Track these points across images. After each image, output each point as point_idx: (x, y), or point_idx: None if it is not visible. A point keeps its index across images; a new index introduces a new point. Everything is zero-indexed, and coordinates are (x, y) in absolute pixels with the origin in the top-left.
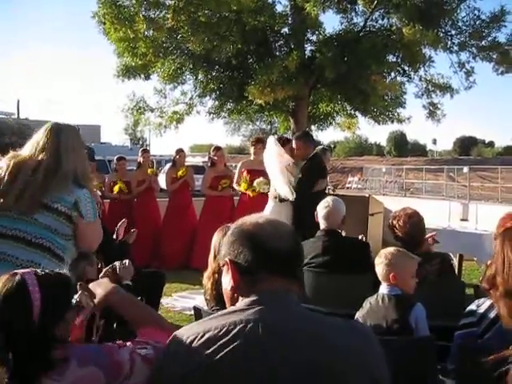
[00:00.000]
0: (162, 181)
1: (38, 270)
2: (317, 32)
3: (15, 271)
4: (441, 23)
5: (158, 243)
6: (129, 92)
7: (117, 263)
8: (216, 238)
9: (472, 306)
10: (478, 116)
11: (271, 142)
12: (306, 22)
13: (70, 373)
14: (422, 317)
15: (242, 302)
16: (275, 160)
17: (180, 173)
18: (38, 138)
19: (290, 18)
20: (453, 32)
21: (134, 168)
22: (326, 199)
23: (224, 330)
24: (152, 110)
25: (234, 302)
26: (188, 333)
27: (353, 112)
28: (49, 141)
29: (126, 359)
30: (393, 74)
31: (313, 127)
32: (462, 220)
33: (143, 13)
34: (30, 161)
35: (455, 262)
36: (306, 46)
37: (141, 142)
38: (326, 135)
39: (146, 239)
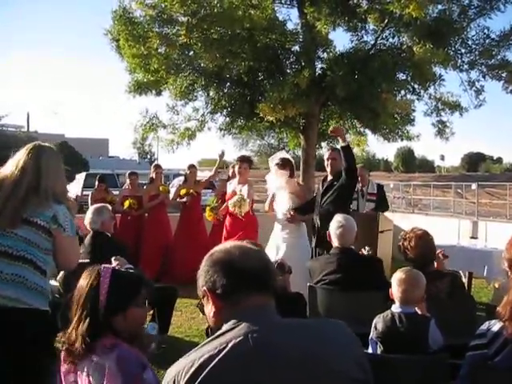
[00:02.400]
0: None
1: (119, 267)
2: (327, 50)
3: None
4: (451, 42)
5: (168, 258)
6: (140, 107)
7: (112, 259)
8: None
9: (483, 328)
10: (485, 132)
11: (273, 169)
12: (316, 40)
13: (106, 356)
14: (437, 331)
15: (227, 325)
16: (282, 187)
17: (161, 189)
18: (19, 157)
19: (300, 36)
20: (463, 50)
21: (143, 182)
22: (337, 218)
23: (216, 350)
24: (164, 127)
25: (219, 327)
26: (178, 367)
27: (362, 129)
28: (30, 160)
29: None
30: (403, 92)
31: (323, 144)
32: (472, 238)
33: (156, 29)
34: (10, 178)
35: (465, 279)
36: (316, 63)
37: (149, 156)
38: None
39: (157, 254)
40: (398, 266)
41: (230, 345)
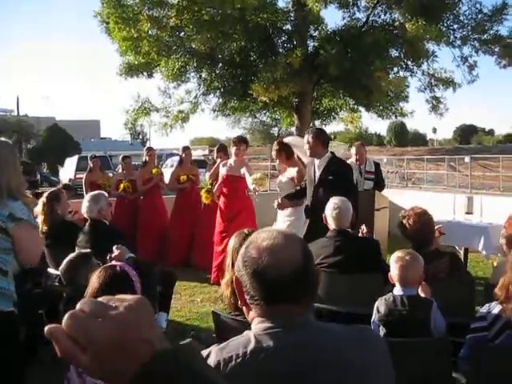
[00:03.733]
0: (166, 176)
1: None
2: (319, 28)
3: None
4: (443, 18)
5: (165, 241)
6: (132, 89)
7: (114, 248)
8: (232, 243)
9: (483, 311)
10: (477, 105)
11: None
12: (308, 18)
13: None
14: (437, 314)
15: (258, 327)
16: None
17: (154, 172)
18: None
19: (292, 15)
20: (455, 26)
21: (136, 163)
22: (333, 200)
23: (246, 357)
24: (157, 110)
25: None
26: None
27: (356, 107)
28: None
29: None
30: (396, 69)
31: (316, 122)
32: (467, 213)
33: (147, 12)
34: None
35: (461, 254)
36: (308, 42)
37: (141, 137)
38: (326, 126)
39: (153, 237)
40: (395, 242)
41: (260, 355)
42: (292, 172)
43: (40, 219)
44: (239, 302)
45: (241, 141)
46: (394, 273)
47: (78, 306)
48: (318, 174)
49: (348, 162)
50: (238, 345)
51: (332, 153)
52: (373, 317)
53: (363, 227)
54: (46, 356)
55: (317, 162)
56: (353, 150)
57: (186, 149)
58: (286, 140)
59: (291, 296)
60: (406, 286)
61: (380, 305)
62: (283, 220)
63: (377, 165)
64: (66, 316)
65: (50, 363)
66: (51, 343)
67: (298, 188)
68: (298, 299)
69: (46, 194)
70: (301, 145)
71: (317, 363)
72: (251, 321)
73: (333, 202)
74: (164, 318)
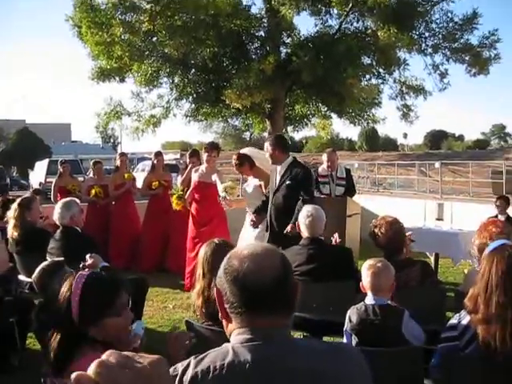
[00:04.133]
0: (138, 180)
1: (97, 273)
2: (292, 35)
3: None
4: (415, 25)
5: (136, 246)
6: (103, 92)
7: (87, 257)
8: (203, 253)
9: (453, 321)
10: (447, 110)
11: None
12: (281, 25)
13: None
14: (412, 323)
15: (237, 338)
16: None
17: (126, 177)
18: None
19: (265, 21)
20: (426, 34)
21: (108, 167)
22: (306, 208)
23: (223, 370)
24: (129, 114)
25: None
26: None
27: (328, 113)
28: None
29: None
30: (368, 76)
31: (289, 128)
32: (438, 219)
33: (119, 16)
34: None
35: (431, 260)
36: (281, 48)
37: (112, 140)
38: (298, 132)
39: (125, 242)
40: (367, 249)
41: (237, 368)
42: (260, 179)
43: (11, 224)
44: (220, 315)
45: (212, 147)
46: (365, 281)
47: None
48: (277, 179)
49: (320, 168)
50: (215, 357)
51: (294, 157)
52: (345, 326)
53: (336, 236)
54: (16, 363)
55: (278, 168)
56: (324, 157)
57: (158, 154)
58: (243, 151)
59: (271, 305)
60: (378, 294)
61: (352, 314)
62: (250, 230)
63: (348, 171)
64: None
65: (20, 370)
66: (21, 350)
67: (265, 198)
68: (277, 309)
69: (18, 201)
70: (258, 156)
71: (293, 376)
72: (230, 333)
73: (306, 210)
74: (141, 326)
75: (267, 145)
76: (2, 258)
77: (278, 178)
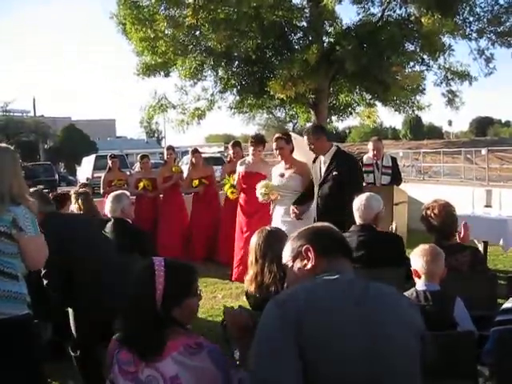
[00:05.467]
0: (185, 173)
1: (169, 259)
2: (334, 24)
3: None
4: (459, 10)
5: (184, 238)
6: (148, 87)
7: None
8: (255, 240)
9: (507, 304)
10: (493, 96)
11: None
12: (323, 14)
13: (199, 358)
14: (464, 310)
15: (320, 276)
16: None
17: (174, 169)
18: None
19: (307, 11)
20: (471, 19)
21: (153, 161)
22: (361, 195)
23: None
24: (174, 107)
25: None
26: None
27: (372, 102)
28: None
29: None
30: (412, 64)
31: (333, 118)
32: (486, 206)
33: (163, 12)
34: None
35: (481, 248)
36: (324, 38)
37: (156, 135)
38: (342, 121)
39: (173, 234)
40: (414, 237)
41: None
42: (298, 167)
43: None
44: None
45: (258, 142)
46: (417, 266)
47: None
48: (322, 170)
49: (364, 157)
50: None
51: (337, 146)
52: None
53: (394, 224)
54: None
55: (322, 158)
56: (370, 145)
57: (195, 152)
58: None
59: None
60: (429, 280)
61: None
62: (279, 220)
63: (394, 159)
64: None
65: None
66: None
67: (306, 189)
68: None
69: (79, 192)
70: (298, 143)
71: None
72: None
73: (359, 198)
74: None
75: (309, 135)
76: (44, 253)
77: (324, 168)
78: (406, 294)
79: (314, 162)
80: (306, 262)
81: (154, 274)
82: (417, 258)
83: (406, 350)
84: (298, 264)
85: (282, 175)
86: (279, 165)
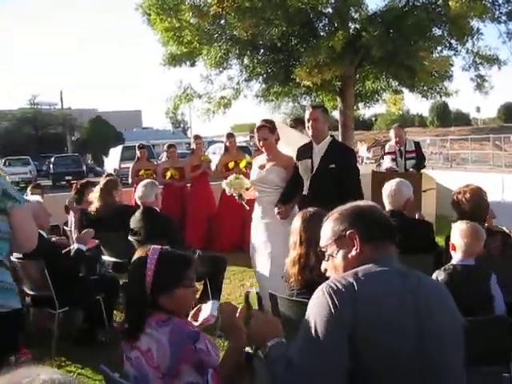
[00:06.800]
0: (212, 163)
1: (168, 247)
2: (360, 10)
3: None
4: None
5: (212, 227)
6: (172, 77)
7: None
8: (298, 222)
9: None
10: None
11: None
12: (348, 1)
13: (162, 331)
14: (498, 287)
15: (370, 266)
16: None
17: (202, 159)
18: None
19: None
20: (500, 1)
21: (179, 151)
22: (391, 181)
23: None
24: (200, 96)
25: (347, 270)
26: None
27: (399, 88)
28: None
29: (183, 381)
30: (439, 48)
31: (360, 105)
32: None
33: (188, 1)
34: None
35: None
36: (350, 24)
37: (182, 125)
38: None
39: (201, 223)
40: (442, 224)
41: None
42: (281, 159)
43: (97, 204)
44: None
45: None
46: (457, 241)
47: None
48: (316, 161)
49: (386, 145)
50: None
51: (332, 136)
52: None
53: (417, 215)
54: (103, 338)
55: (315, 147)
56: (391, 133)
57: (230, 136)
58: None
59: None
60: (467, 255)
61: (439, 275)
62: (258, 222)
63: (417, 143)
64: None
65: (106, 345)
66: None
67: (290, 183)
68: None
69: (104, 181)
70: (288, 134)
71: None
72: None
73: (389, 183)
74: (216, 307)
75: (315, 109)
76: (34, 237)
77: (317, 160)
78: (442, 268)
79: (300, 150)
80: (350, 248)
81: (147, 262)
82: (457, 233)
83: (456, 343)
84: (340, 249)
85: (262, 167)
86: (261, 156)
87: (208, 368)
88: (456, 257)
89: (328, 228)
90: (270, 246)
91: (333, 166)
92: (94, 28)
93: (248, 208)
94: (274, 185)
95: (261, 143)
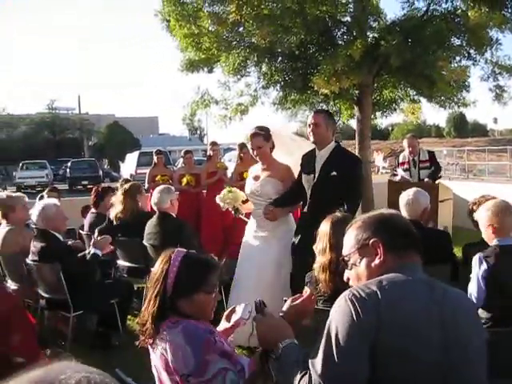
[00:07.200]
0: (228, 170)
1: (191, 251)
2: (379, 19)
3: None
4: (507, 3)
5: (228, 234)
6: (189, 83)
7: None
8: (326, 227)
9: None
10: None
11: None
12: (367, 9)
13: (173, 332)
14: None
15: (395, 275)
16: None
17: (218, 166)
18: None
19: (351, 6)
20: None
21: (196, 158)
22: (408, 190)
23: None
24: (217, 103)
25: (370, 279)
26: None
27: (417, 98)
28: None
29: (214, 369)
30: (457, 58)
31: (377, 114)
32: None
33: (207, 8)
34: None
35: None
36: (368, 33)
37: (198, 132)
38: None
39: (216, 230)
40: (459, 234)
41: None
42: (277, 169)
43: (118, 209)
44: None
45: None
46: (490, 219)
47: None
48: (318, 169)
49: (401, 155)
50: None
51: (336, 142)
52: (475, 272)
53: (431, 224)
54: (117, 343)
55: (318, 153)
56: (405, 143)
57: (243, 146)
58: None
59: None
60: (503, 234)
61: (483, 257)
62: (251, 235)
63: (431, 153)
64: None
65: (120, 349)
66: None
67: (288, 189)
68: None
69: (127, 186)
70: (284, 142)
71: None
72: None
73: (407, 193)
74: (248, 310)
75: (318, 117)
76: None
77: (318, 167)
78: (484, 252)
79: (304, 158)
80: (373, 257)
81: (170, 265)
82: (487, 213)
83: (480, 355)
84: (363, 258)
85: (257, 178)
86: (256, 166)
87: (233, 357)
88: (494, 240)
89: (351, 236)
90: (261, 260)
91: (334, 173)
92: (94, 28)
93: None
94: (268, 198)
95: (255, 152)
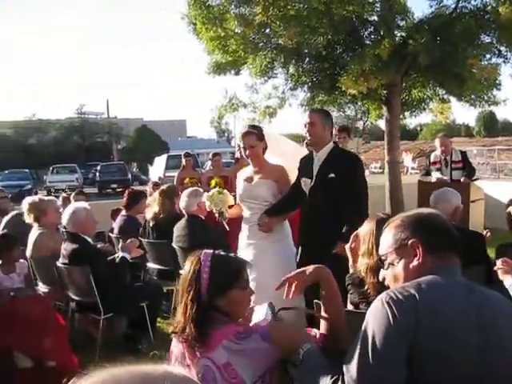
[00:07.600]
0: None
1: (217, 252)
2: (406, 17)
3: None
4: None
5: None
6: (216, 86)
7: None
8: (368, 228)
9: None
10: None
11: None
12: (394, 8)
13: (249, 340)
14: None
15: (433, 277)
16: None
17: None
18: None
19: (378, 5)
20: None
21: (224, 160)
22: (439, 190)
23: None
24: (245, 106)
25: (407, 280)
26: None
27: (446, 97)
28: None
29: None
30: (488, 56)
31: (406, 114)
32: None
33: (233, 10)
34: None
35: None
36: (396, 32)
37: (226, 134)
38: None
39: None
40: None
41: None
42: (270, 171)
43: (153, 211)
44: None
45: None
46: None
47: None
48: (315, 171)
49: (432, 154)
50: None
51: (334, 142)
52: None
53: (487, 233)
54: (145, 346)
55: (315, 155)
56: (437, 142)
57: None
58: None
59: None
60: None
61: None
62: (244, 242)
63: (463, 153)
64: None
65: (150, 350)
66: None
67: (285, 195)
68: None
69: (162, 188)
70: (278, 143)
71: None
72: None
73: (437, 192)
74: (270, 312)
75: (314, 116)
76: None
77: (316, 169)
78: None
79: (302, 162)
80: (411, 258)
81: (201, 265)
82: None
83: None
84: (402, 259)
85: (249, 180)
86: (246, 168)
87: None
88: None
89: (389, 235)
90: (256, 269)
91: (332, 175)
92: (94, 28)
93: (228, 229)
94: (263, 200)
95: (247, 152)
